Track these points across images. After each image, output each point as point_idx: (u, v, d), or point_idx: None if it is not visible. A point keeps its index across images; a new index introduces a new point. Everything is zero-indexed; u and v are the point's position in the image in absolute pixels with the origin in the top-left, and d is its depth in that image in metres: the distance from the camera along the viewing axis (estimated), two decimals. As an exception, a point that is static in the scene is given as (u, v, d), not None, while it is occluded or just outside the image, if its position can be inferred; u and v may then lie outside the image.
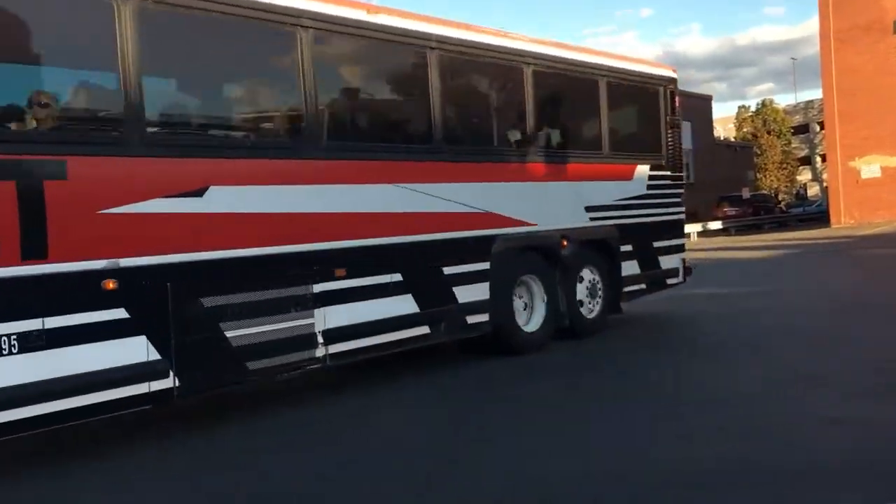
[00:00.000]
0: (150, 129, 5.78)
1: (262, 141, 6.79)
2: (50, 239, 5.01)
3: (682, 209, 11.14)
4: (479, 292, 7.97)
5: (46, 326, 4.98)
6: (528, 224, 8.60)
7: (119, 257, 5.36)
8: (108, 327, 5.31)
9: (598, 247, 9.54)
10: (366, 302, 6.93)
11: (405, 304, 7.28)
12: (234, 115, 6.90)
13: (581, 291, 9.33)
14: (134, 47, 5.46)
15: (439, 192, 7.62)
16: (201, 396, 6.25)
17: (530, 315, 8.80)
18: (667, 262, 10.67)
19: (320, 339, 6.58)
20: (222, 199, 5.94)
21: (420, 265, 7.45)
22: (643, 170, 10.27)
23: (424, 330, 7.51)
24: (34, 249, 4.95)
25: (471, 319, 7.92)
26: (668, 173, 10.74)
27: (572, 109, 10.03)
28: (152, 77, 5.85)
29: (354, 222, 6.91)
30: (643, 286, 10.32)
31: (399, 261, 7.25)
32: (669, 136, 10.72)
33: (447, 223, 7.70)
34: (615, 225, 9.67)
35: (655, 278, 10.48)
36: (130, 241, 5.42)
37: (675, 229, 10.94)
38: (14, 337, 4.85)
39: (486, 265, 8.06)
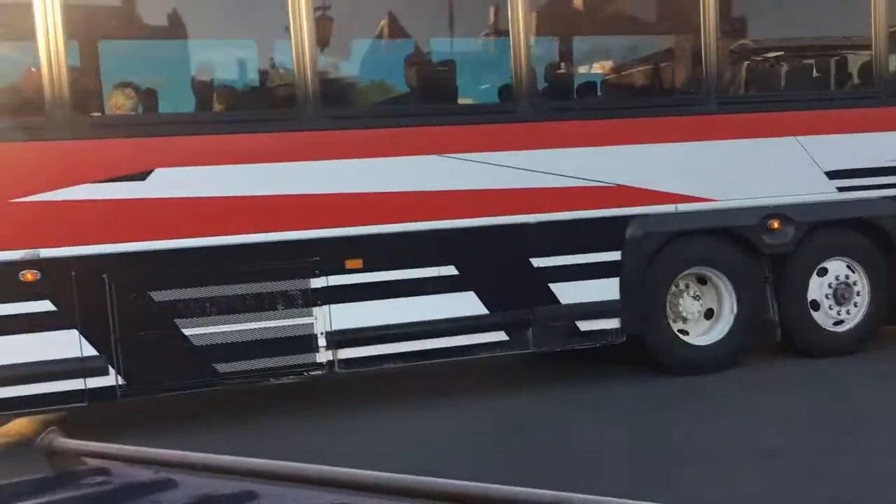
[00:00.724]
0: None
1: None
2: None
3: None
4: (600, 291, 5.87)
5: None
6: (697, 199, 6.08)
7: (39, 247, 4.95)
8: (34, 320, 5.00)
9: (858, 230, 6.46)
10: (390, 300, 5.53)
11: (461, 304, 5.66)
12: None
13: (817, 291, 6.40)
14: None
15: (516, 161, 5.65)
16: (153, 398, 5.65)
17: (714, 322, 6.31)
18: None
19: (321, 342, 5.46)
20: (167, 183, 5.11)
21: (488, 255, 5.69)
22: None
23: (500, 336, 5.80)
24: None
25: (585, 326, 5.90)
26: None
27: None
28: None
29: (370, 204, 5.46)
30: None
31: (451, 249, 5.61)
32: None
33: (531, 202, 5.72)
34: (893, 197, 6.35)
35: None
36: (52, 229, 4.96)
37: None
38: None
39: (614, 255, 5.87)
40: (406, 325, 5.55)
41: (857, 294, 6.55)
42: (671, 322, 6.24)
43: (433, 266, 5.59)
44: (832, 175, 6.34)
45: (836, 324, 6.56)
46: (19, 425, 5.89)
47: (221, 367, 5.32)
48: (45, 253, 4.94)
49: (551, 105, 6.12)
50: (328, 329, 5.42)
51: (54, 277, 4.95)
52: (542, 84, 6.24)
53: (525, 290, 5.78)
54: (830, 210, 6.42)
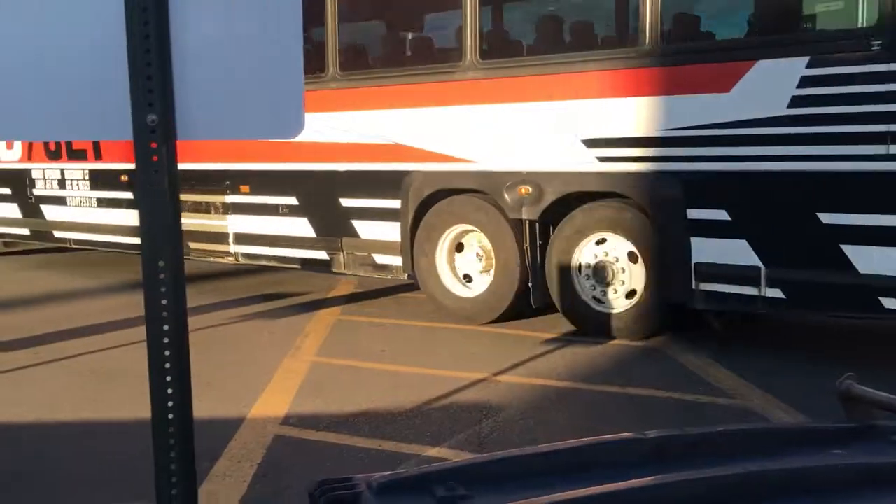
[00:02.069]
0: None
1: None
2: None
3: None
4: (387, 232, 7.11)
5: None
6: (458, 160, 6.58)
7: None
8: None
9: (630, 205, 5.98)
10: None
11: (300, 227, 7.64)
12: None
13: (578, 265, 6.17)
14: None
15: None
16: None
17: (480, 279, 6.84)
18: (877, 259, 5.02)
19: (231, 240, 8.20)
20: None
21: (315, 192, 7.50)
22: (781, 68, 5.19)
23: (323, 256, 7.60)
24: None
25: (379, 259, 7.26)
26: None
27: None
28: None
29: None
30: (777, 294, 5.35)
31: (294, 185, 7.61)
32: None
33: (339, 154, 7.18)
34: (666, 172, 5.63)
35: (822, 287, 5.25)
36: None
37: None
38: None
39: (396, 203, 6.99)
40: (269, 235, 7.87)
41: (623, 273, 5.97)
42: (441, 272, 6.92)
43: (283, 196, 7.67)
44: (590, 144, 5.85)
45: (599, 303, 6.14)
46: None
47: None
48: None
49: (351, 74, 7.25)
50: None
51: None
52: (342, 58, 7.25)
53: (336, 223, 7.36)
54: (584, 181, 6.01)
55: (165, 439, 1.66)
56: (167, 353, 1.66)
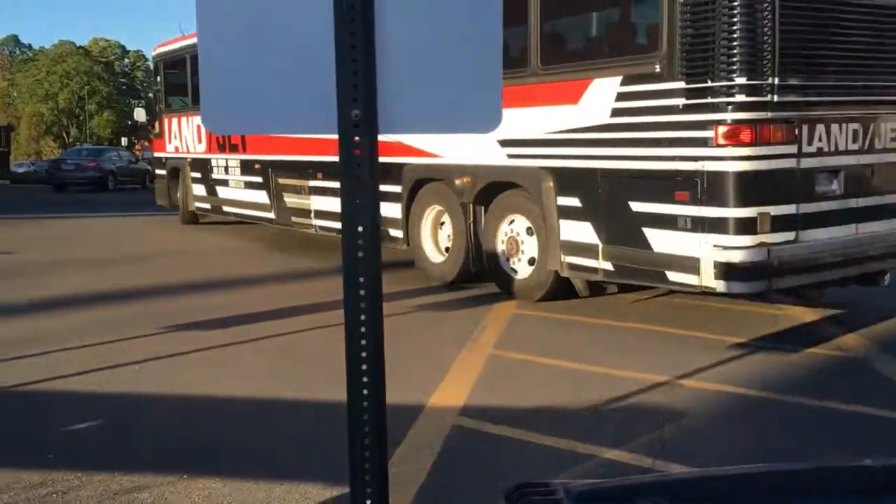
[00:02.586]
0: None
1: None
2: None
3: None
4: (394, 211, 8.77)
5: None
6: (432, 155, 8.34)
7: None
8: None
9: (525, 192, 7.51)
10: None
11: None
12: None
13: (500, 240, 7.88)
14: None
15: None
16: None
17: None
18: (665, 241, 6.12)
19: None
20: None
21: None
22: (606, 84, 6.56)
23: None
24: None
25: (392, 233, 8.85)
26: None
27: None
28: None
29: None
30: (608, 267, 6.62)
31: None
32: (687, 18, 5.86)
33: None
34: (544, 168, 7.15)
35: (631, 262, 6.44)
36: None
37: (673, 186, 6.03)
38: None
39: (398, 188, 8.74)
40: (332, 212, 10.00)
41: (523, 245, 7.60)
42: (424, 243, 8.73)
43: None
44: (503, 144, 7.40)
45: (514, 271, 7.73)
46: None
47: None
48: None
49: None
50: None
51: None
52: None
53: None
54: (498, 173, 7.64)
55: (360, 421, 1.70)
56: (363, 341, 1.70)
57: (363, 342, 1.68)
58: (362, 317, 1.68)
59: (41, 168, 31.63)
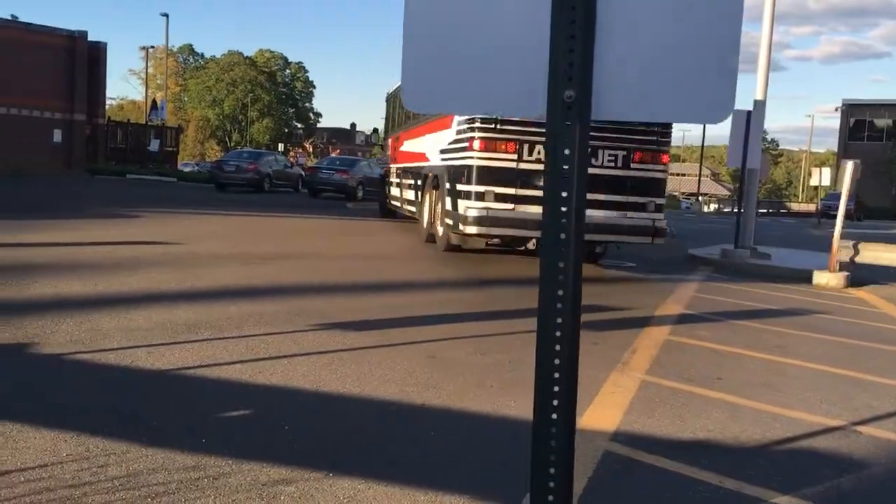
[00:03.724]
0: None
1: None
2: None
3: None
4: (415, 195, 15.61)
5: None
6: (429, 161, 13.87)
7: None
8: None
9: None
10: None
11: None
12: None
13: (447, 201, 12.43)
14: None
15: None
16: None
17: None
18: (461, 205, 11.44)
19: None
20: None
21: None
22: (456, 120, 12.32)
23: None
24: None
25: (406, 210, 17.18)
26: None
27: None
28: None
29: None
30: (449, 222, 12.29)
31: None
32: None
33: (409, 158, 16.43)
34: (443, 166, 12.42)
35: (452, 219, 11.88)
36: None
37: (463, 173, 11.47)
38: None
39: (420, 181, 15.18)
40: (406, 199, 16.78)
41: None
42: (422, 217, 14.20)
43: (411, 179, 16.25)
44: (441, 152, 12.62)
45: (438, 231, 13.01)
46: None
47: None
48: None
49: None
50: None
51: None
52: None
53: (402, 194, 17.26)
54: (438, 171, 12.65)
55: (546, 437, 1.54)
56: (557, 347, 1.53)
57: (557, 347, 1.52)
58: (559, 320, 1.52)
59: (204, 168, 33.55)
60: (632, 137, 10.63)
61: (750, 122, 13.95)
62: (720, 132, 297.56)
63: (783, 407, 4.99)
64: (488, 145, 10.52)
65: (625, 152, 10.67)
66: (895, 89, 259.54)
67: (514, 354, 5.97)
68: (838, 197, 11.99)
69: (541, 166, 10.87)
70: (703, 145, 60.39)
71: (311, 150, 71.28)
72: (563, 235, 1.50)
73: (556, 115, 1.48)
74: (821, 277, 12.16)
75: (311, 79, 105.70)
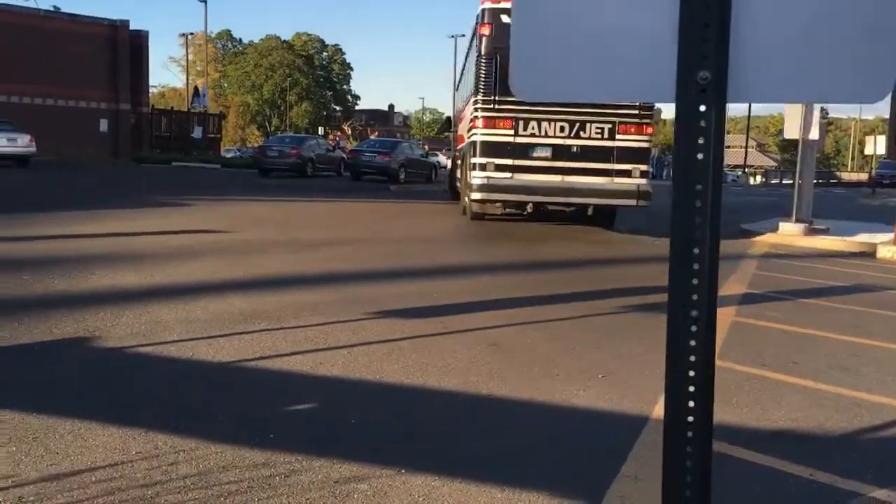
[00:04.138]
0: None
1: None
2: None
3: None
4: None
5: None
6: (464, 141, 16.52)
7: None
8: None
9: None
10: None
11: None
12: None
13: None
14: None
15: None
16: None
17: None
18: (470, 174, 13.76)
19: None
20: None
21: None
22: (472, 104, 14.40)
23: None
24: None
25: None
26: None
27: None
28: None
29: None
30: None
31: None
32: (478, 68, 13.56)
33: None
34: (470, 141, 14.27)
35: (464, 184, 15.78)
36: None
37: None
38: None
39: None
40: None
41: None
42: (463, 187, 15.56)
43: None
44: (467, 132, 14.06)
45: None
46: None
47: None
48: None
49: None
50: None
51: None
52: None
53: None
54: (465, 147, 14.51)
55: (681, 434, 1.40)
56: (692, 343, 1.39)
57: (692, 346, 1.38)
58: (694, 313, 1.37)
59: (246, 154, 33.71)
60: (617, 112, 12.06)
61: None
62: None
63: (865, 391, 4.77)
64: (488, 123, 12.30)
65: (610, 125, 12.16)
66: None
67: (576, 340, 5.81)
68: (891, 165, 11.51)
69: (533, 139, 12.17)
70: (749, 115, 59.10)
71: (349, 132, 71.44)
72: (698, 235, 1.34)
73: (687, 100, 1.32)
74: (886, 251, 11.74)
75: (348, 61, 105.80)
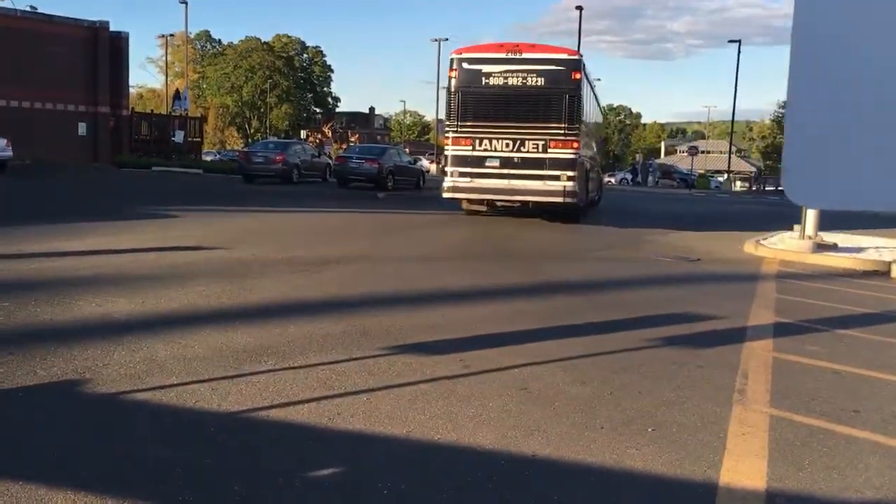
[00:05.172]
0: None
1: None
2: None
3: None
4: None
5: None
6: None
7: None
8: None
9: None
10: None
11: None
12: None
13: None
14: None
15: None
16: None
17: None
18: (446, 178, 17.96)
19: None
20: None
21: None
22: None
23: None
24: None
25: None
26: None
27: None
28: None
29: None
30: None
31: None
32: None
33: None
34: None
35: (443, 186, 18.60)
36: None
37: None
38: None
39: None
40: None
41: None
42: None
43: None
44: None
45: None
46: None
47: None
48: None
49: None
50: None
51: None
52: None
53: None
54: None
55: None
56: None
57: None
58: None
59: (226, 157, 32.87)
60: (547, 131, 16.23)
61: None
62: (742, 107, 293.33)
63: (944, 448, 4.34)
64: (455, 141, 16.94)
65: (543, 141, 16.31)
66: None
67: (614, 382, 5.35)
68: None
69: (486, 153, 16.57)
70: (732, 121, 59.06)
71: (329, 134, 70.63)
72: None
73: None
74: (901, 271, 11.39)
75: (328, 63, 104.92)
